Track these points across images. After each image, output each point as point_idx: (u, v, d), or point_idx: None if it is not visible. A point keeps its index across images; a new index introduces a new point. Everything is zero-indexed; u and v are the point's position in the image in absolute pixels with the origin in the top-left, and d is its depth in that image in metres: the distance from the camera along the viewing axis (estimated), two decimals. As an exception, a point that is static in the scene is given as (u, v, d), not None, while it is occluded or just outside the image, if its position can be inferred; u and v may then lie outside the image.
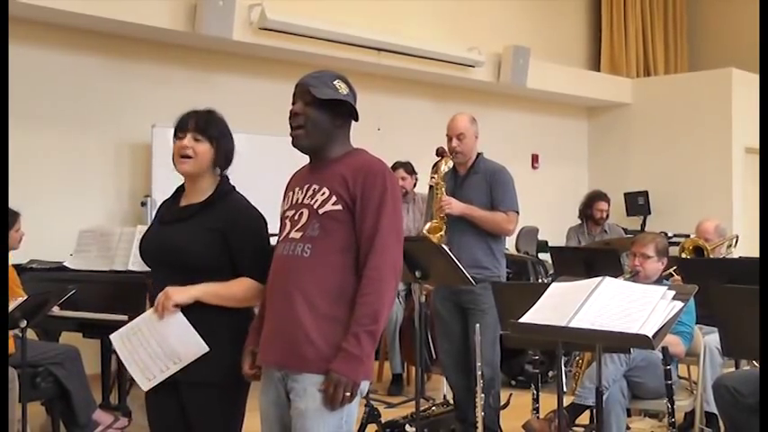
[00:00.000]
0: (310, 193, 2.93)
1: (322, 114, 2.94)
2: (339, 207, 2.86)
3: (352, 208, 2.86)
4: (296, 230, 2.90)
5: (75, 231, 6.23)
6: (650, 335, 2.68)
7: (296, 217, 2.92)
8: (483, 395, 4.89)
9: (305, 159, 3.10)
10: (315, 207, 2.89)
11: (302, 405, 2.81)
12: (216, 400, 3.09)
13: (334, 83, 2.97)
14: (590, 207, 8.66)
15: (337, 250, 2.85)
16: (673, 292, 2.85)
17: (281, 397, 2.91)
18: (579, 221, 8.79)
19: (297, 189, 3.00)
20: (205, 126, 3.18)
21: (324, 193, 2.89)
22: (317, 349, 2.80)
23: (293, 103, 2.98)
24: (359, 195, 2.85)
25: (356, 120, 3.03)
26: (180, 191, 3.30)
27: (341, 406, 2.77)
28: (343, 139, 3.02)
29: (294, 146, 2.98)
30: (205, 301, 3.07)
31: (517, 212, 5.29)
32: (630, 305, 2.81)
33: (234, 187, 3.26)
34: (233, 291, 3.10)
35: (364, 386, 2.87)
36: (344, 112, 2.99)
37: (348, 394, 2.76)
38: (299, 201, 2.95)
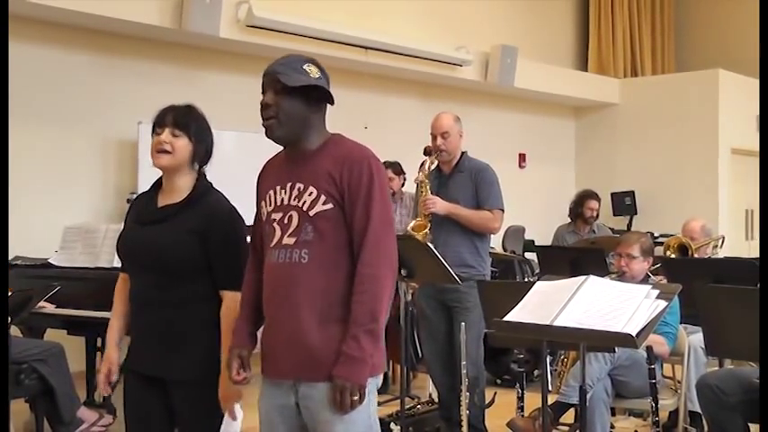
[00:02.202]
0: (296, 193, 2.80)
1: (294, 102, 2.79)
2: (330, 206, 2.75)
3: (342, 203, 2.75)
4: (288, 236, 2.78)
5: (61, 228, 6.20)
6: (634, 334, 2.69)
7: (285, 220, 2.80)
8: (468, 394, 4.90)
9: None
10: (304, 209, 2.77)
11: (327, 414, 2.71)
12: (201, 397, 3.08)
13: (304, 67, 2.83)
14: (581, 206, 8.68)
15: (335, 250, 2.76)
16: (657, 292, 2.85)
17: (289, 403, 2.80)
18: (569, 220, 8.81)
19: (278, 188, 2.86)
20: (183, 121, 3.15)
21: (311, 194, 2.77)
22: (331, 356, 2.71)
23: (263, 93, 2.84)
24: (346, 189, 2.74)
25: (331, 104, 2.88)
26: (157, 186, 3.27)
27: (351, 409, 2.68)
28: (319, 126, 2.88)
29: (268, 137, 2.84)
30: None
31: (503, 210, 5.28)
32: (614, 304, 2.81)
33: (211, 184, 3.24)
34: (226, 330, 3.07)
35: (378, 379, 2.82)
36: (318, 96, 2.84)
37: (356, 398, 2.68)
38: (285, 202, 2.81)
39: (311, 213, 2.76)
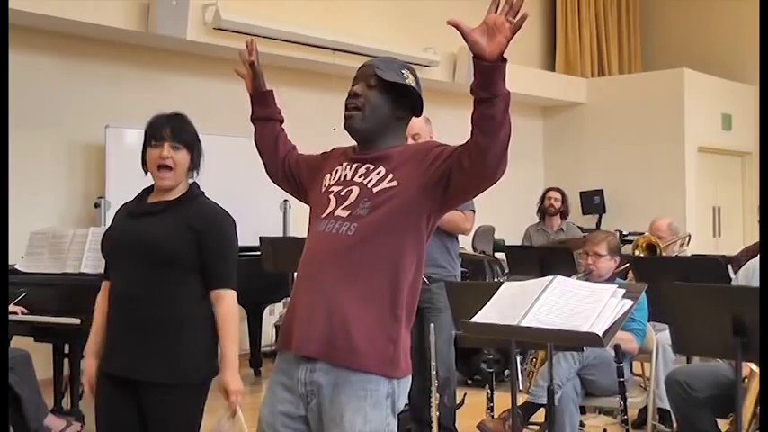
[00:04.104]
0: (363, 171, 2.68)
1: (384, 100, 2.69)
2: (395, 184, 2.62)
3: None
4: (343, 208, 2.65)
5: (27, 233, 6.16)
6: (600, 333, 2.69)
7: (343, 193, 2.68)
8: (438, 395, 4.90)
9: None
10: (369, 186, 2.64)
11: (343, 399, 2.55)
12: (176, 400, 3.07)
13: (402, 71, 2.73)
14: (543, 200, 8.80)
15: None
16: (623, 291, 2.86)
17: (298, 409, 2.62)
18: (537, 220, 8.87)
19: (345, 164, 2.74)
20: (181, 133, 3.16)
21: (380, 172, 2.65)
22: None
23: (353, 86, 2.73)
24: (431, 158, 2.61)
25: (418, 116, 2.80)
26: (148, 191, 3.28)
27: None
28: (397, 134, 2.77)
29: (346, 128, 2.72)
30: (236, 361, 3.11)
31: (474, 211, 5.30)
32: (581, 304, 2.81)
33: (203, 193, 3.27)
34: (234, 325, 3.11)
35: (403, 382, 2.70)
36: (407, 104, 2.76)
37: None
38: (349, 178, 2.70)
39: (375, 190, 2.63)
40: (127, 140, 7.68)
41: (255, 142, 3.08)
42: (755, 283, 4.39)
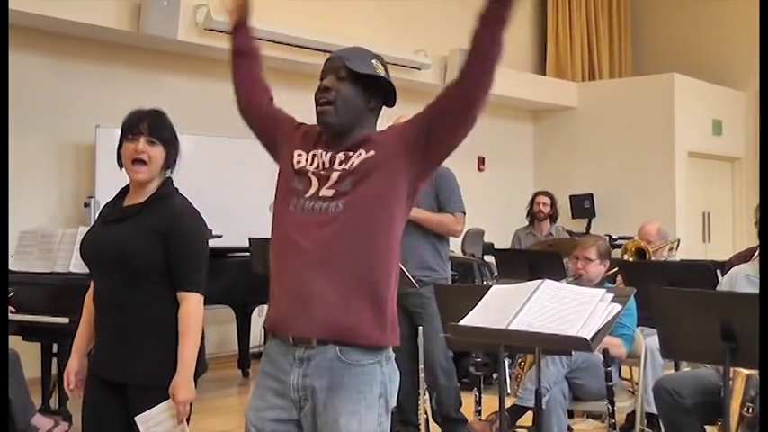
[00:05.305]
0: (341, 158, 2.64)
1: (356, 92, 2.65)
2: (372, 153, 2.60)
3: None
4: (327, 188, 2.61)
5: (16, 232, 6.14)
6: (588, 337, 2.70)
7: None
8: (426, 397, 4.91)
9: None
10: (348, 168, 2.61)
11: (337, 402, 2.54)
12: (163, 401, 3.06)
13: (372, 61, 2.70)
14: (532, 204, 8.82)
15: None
16: (611, 295, 2.87)
17: (290, 414, 2.60)
18: (527, 223, 8.89)
19: (320, 151, 2.69)
20: (158, 129, 3.14)
21: (360, 154, 2.62)
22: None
23: (322, 77, 2.68)
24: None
25: (390, 106, 2.76)
26: (124, 191, 3.26)
27: None
28: (371, 125, 2.73)
29: (319, 122, 2.67)
30: (193, 366, 3.04)
31: (464, 213, 5.31)
32: (569, 308, 2.82)
33: (176, 189, 3.23)
34: (195, 330, 3.06)
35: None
36: (379, 94, 2.72)
37: None
38: (327, 165, 2.65)
39: (355, 164, 2.61)
40: (117, 141, 7.65)
41: (233, 75, 2.99)
42: (739, 289, 4.41)
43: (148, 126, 3.12)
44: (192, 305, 3.07)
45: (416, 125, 2.64)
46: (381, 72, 2.72)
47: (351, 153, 2.63)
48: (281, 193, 2.71)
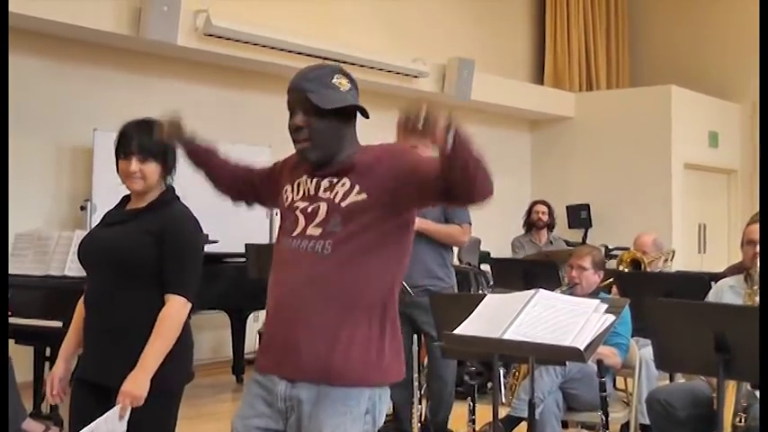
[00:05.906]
0: (326, 185, 2.64)
1: (328, 123, 2.62)
2: (363, 196, 2.58)
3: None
4: (314, 226, 2.60)
5: (12, 235, 6.13)
6: (582, 348, 2.70)
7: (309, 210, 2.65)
8: (420, 406, 4.92)
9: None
10: (336, 201, 2.60)
11: (322, 415, 2.53)
12: (149, 407, 3.05)
13: (334, 81, 2.65)
14: (530, 213, 8.83)
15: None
16: (605, 306, 2.87)
17: (277, 424, 2.62)
18: (523, 232, 8.90)
19: (306, 178, 2.70)
20: (149, 146, 3.14)
21: (344, 184, 2.62)
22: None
23: (291, 110, 2.65)
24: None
25: (365, 116, 2.71)
26: (126, 199, 3.29)
27: None
28: (351, 140, 2.73)
29: (301, 160, 2.69)
30: (154, 367, 3.00)
31: (470, 224, 5.34)
32: (563, 318, 2.82)
33: (178, 197, 3.25)
34: (168, 331, 3.03)
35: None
36: (351, 111, 2.70)
37: None
38: (312, 192, 2.66)
39: (343, 205, 2.59)
40: (115, 146, 7.66)
41: (209, 181, 3.10)
42: (725, 301, 4.41)
43: (138, 145, 3.13)
44: (173, 307, 3.06)
45: (410, 192, 2.59)
46: (345, 87, 2.68)
47: (335, 180, 2.63)
48: (278, 232, 2.76)
